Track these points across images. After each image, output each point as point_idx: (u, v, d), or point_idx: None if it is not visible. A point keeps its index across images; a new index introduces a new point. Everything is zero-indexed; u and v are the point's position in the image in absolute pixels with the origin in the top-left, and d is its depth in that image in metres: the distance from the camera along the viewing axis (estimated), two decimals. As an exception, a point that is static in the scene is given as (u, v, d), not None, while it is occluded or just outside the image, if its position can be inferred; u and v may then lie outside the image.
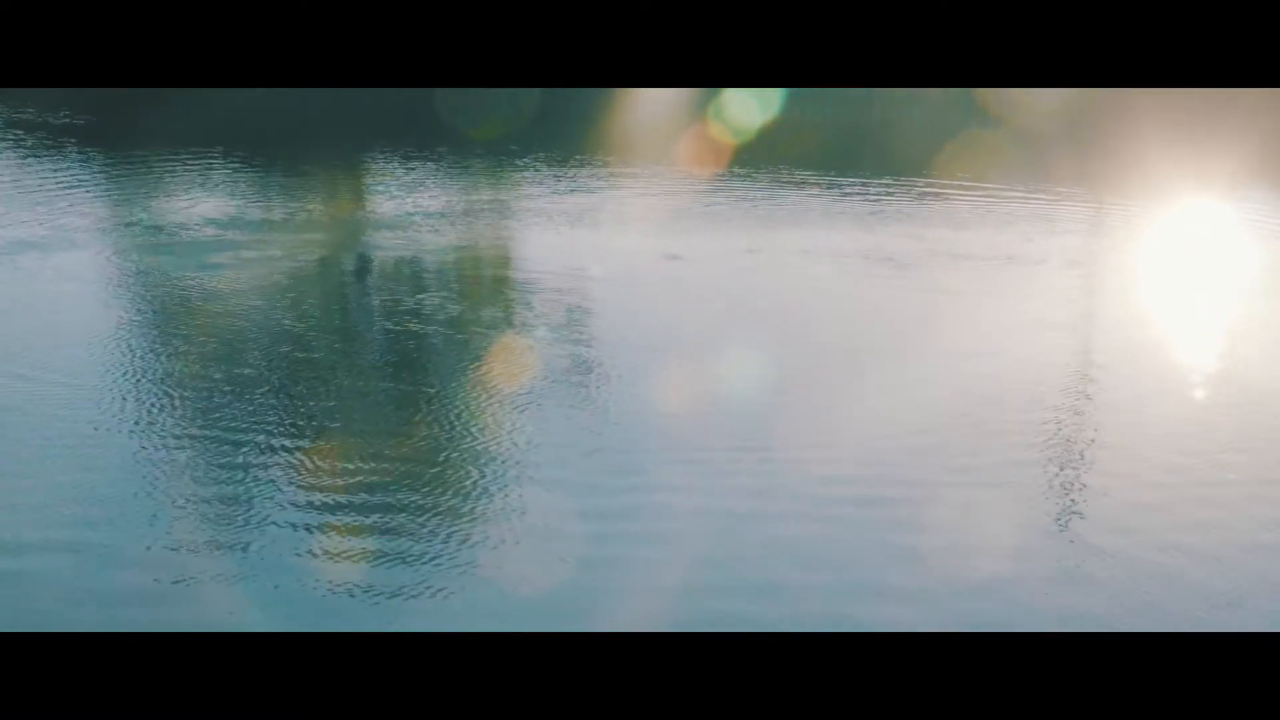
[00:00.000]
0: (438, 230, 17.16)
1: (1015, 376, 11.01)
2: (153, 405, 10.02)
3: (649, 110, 26.95)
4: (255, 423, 9.66)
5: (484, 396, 10.36)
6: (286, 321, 12.57)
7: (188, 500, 8.26)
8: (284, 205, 19.58)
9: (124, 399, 10.12)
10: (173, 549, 7.58)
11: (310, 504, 8.23)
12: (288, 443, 9.27)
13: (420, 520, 8.00)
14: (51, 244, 15.69)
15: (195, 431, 9.47)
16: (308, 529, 7.85)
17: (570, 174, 22.04)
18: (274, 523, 7.91)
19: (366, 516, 8.06)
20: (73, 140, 25.39)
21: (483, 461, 9.02)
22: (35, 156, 23.58)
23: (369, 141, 26.03)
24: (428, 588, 7.16)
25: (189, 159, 22.76)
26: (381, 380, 11.06)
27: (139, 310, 13.38)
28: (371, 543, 7.67)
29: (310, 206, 19.52)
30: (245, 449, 9.11)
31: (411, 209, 18.69)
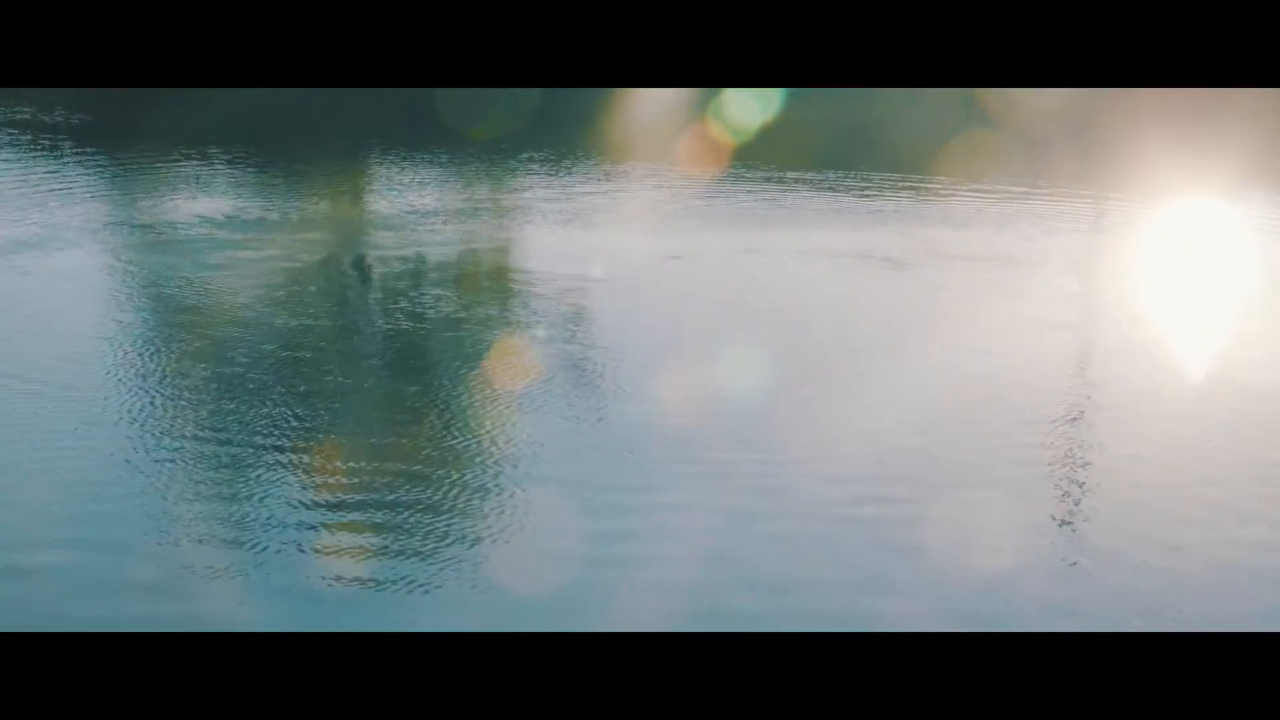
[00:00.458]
0: (437, 230, 17.16)
1: (1015, 376, 11.01)
2: (151, 404, 10.02)
3: (649, 110, 26.95)
4: (254, 422, 9.66)
5: (483, 396, 10.35)
6: (284, 321, 12.57)
7: (187, 499, 8.25)
8: (282, 205, 19.58)
9: (123, 398, 10.12)
10: (172, 549, 7.57)
11: (308, 503, 8.23)
12: (286, 442, 9.27)
13: (420, 520, 8.00)
14: (47, 243, 15.70)
15: (194, 431, 9.46)
16: (307, 528, 7.85)
17: (570, 174, 22.04)
18: (273, 522, 7.91)
19: (365, 517, 8.06)
20: (69, 140, 25.39)
21: (482, 461, 9.02)
22: (31, 156, 23.58)
23: (368, 141, 26.03)
24: (428, 588, 7.16)
25: (187, 159, 22.77)
26: (380, 380, 11.06)
27: (135, 309, 13.37)
28: (371, 543, 7.67)
29: (309, 206, 19.52)
30: (243, 449, 9.11)
31: (411, 209, 18.69)
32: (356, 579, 7.24)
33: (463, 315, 13.03)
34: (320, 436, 9.45)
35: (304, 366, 11.19)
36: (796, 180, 21.35)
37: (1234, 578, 7.41)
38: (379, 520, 7.99)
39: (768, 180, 21.30)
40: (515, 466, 8.90)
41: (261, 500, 8.24)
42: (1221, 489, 8.66)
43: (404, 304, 13.43)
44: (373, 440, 9.36)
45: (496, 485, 8.60)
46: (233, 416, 9.77)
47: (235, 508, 8.13)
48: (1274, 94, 27.04)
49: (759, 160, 22.88)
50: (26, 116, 27.91)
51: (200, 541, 7.66)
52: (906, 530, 7.98)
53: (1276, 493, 8.69)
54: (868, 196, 20.22)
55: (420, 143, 25.15)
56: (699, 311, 13.17)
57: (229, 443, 9.22)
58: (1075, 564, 7.60)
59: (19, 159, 23.27)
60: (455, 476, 8.74)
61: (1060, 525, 8.13)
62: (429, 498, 8.36)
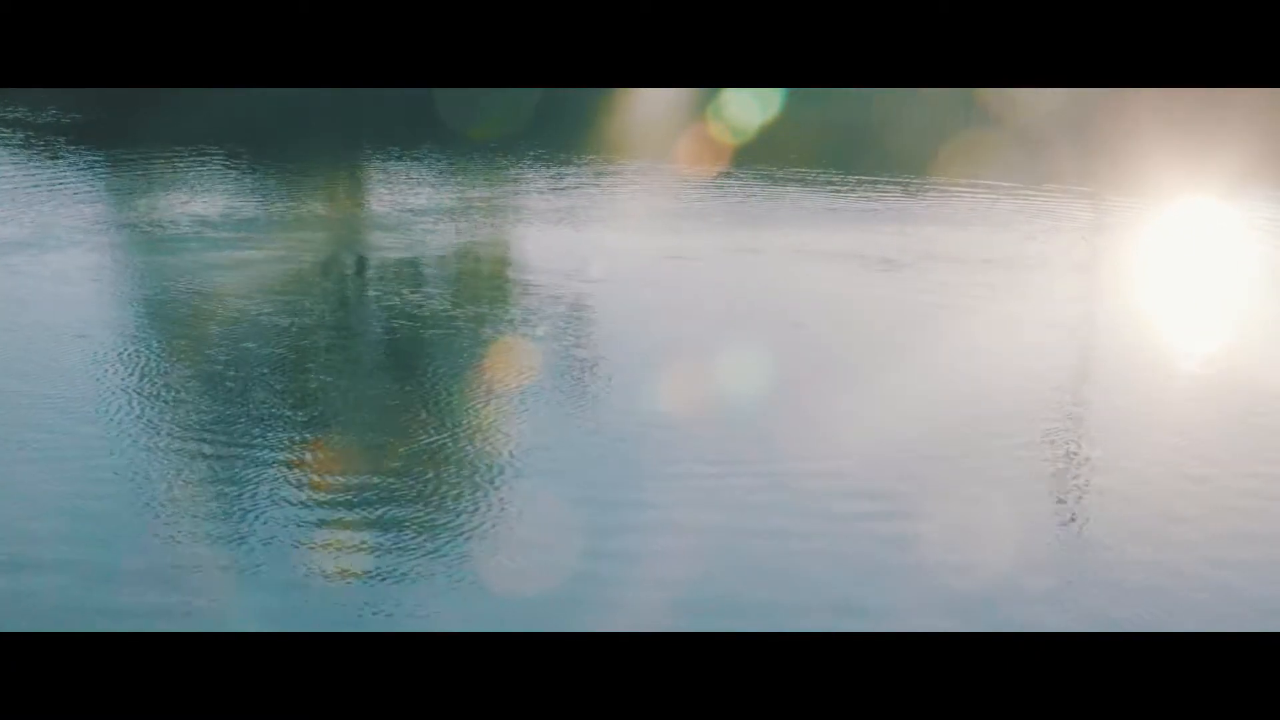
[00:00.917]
0: (436, 230, 17.15)
1: (1015, 376, 11.01)
2: (151, 404, 10.02)
3: (648, 110, 26.94)
4: (251, 422, 9.66)
5: (482, 396, 10.35)
6: (282, 321, 12.56)
7: (186, 499, 8.25)
8: (281, 204, 19.58)
9: (121, 398, 10.11)
10: (172, 549, 7.57)
11: (307, 503, 8.23)
12: (285, 441, 9.27)
13: (419, 521, 8.00)
14: (44, 243, 15.69)
15: (192, 431, 9.46)
16: (307, 527, 7.85)
17: (569, 174, 22.04)
18: (273, 521, 7.91)
19: (364, 517, 8.06)
20: (63, 139, 25.37)
21: (481, 461, 9.02)
22: (28, 155, 23.57)
23: (367, 141, 26.03)
24: (428, 588, 7.16)
25: (184, 158, 22.75)
26: (379, 380, 11.06)
27: (133, 308, 13.37)
28: (371, 543, 7.67)
29: (307, 206, 19.52)
30: (242, 448, 9.11)
31: (410, 208, 18.69)
32: (356, 579, 7.24)
33: (461, 314, 13.03)
34: (318, 436, 9.45)
35: (302, 366, 11.19)
36: (796, 180, 21.35)
37: (1233, 578, 7.41)
38: (378, 521, 7.99)
39: (767, 180, 21.29)
40: (513, 467, 8.90)
41: (260, 500, 8.23)
42: (1221, 489, 8.66)
43: (402, 303, 13.43)
44: (370, 440, 9.36)
45: (495, 486, 8.59)
46: (230, 416, 9.76)
47: (232, 507, 8.13)
48: (1274, 94, 27.04)
49: (759, 160, 22.87)
50: (21, 115, 27.91)
51: (198, 541, 7.65)
52: (905, 530, 7.97)
53: (1276, 493, 8.69)
54: (867, 196, 20.21)
55: (419, 142, 25.15)
56: (698, 311, 13.16)
57: (227, 442, 9.22)
58: (1074, 564, 7.60)
59: (13, 158, 23.26)
60: (454, 477, 8.74)
61: (1059, 525, 8.13)
62: (428, 499, 8.36)
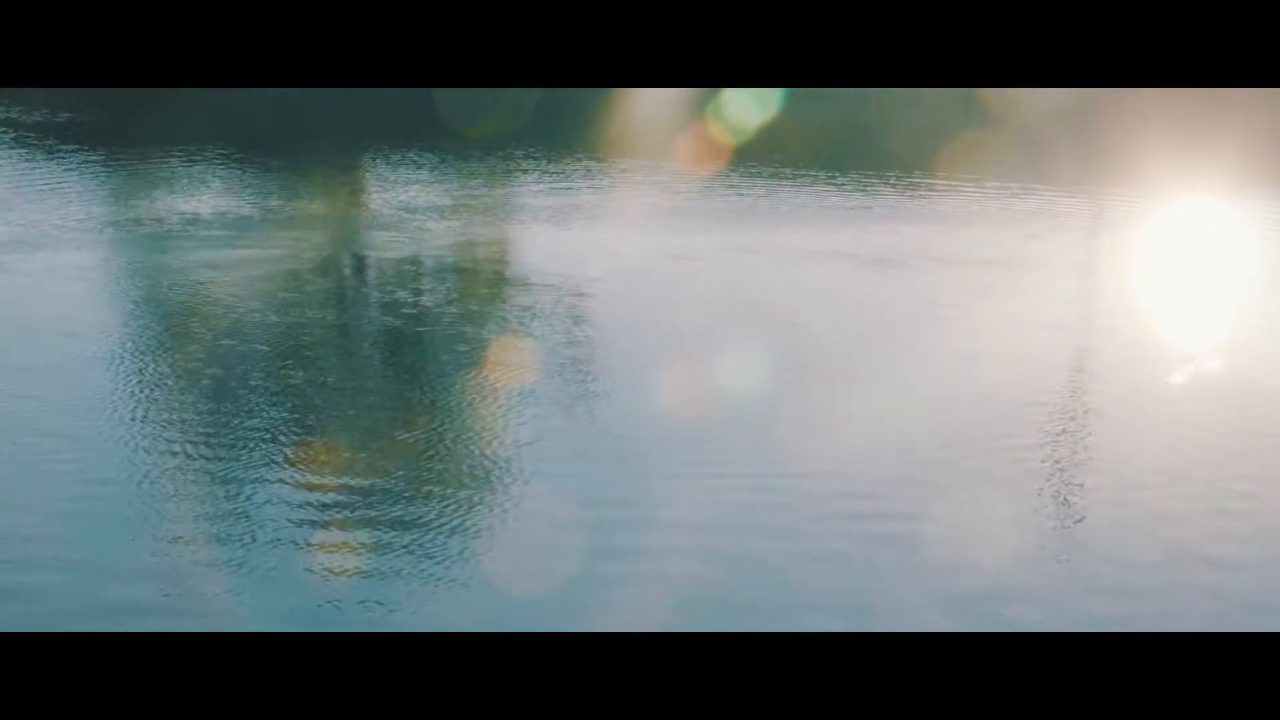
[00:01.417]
0: (435, 229, 17.16)
1: (1015, 376, 11.01)
2: (150, 404, 10.02)
3: (648, 110, 26.96)
4: (251, 422, 9.66)
5: (482, 395, 10.35)
6: (281, 320, 12.56)
7: (186, 499, 8.25)
8: (280, 204, 19.57)
9: (119, 398, 10.11)
10: (171, 549, 7.57)
11: (306, 503, 8.23)
12: (284, 440, 9.27)
13: (419, 521, 8.00)
14: (41, 242, 15.69)
15: (192, 431, 9.45)
16: (306, 527, 7.85)
17: (569, 173, 22.04)
18: (273, 521, 7.90)
19: (365, 517, 8.06)
20: (63, 139, 25.38)
21: (482, 461, 9.02)
22: (26, 155, 23.57)
23: (366, 140, 26.03)
24: (428, 588, 7.15)
25: (184, 158, 22.76)
26: (379, 380, 11.06)
27: (131, 308, 13.37)
28: (371, 543, 7.67)
29: (306, 205, 19.51)
30: (241, 448, 9.11)
31: (409, 208, 18.69)
32: (356, 580, 7.24)
33: (461, 314, 13.03)
34: (317, 436, 9.45)
35: (302, 366, 11.18)
36: (795, 180, 21.35)
37: (1233, 578, 7.41)
38: (378, 521, 7.99)
39: (766, 180, 21.30)
40: (513, 466, 8.90)
41: (259, 500, 8.23)
42: (1221, 489, 8.65)
43: (401, 303, 13.43)
44: (370, 440, 9.35)
45: (495, 486, 8.59)
46: (229, 416, 9.76)
47: (231, 508, 8.13)
48: (1274, 94, 27.05)
49: (758, 160, 22.88)
50: (17, 115, 27.90)
51: (199, 541, 7.65)
52: (905, 530, 7.97)
53: (1276, 492, 8.69)
54: (867, 196, 20.22)
55: (419, 142, 25.15)
56: (698, 311, 13.16)
57: (226, 442, 9.21)
58: (1073, 564, 7.60)
59: (11, 157, 23.26)
60: (454, 477, 8.73)
61: (1058, 525, 8.13)
62: (427, 499, 8.36)
